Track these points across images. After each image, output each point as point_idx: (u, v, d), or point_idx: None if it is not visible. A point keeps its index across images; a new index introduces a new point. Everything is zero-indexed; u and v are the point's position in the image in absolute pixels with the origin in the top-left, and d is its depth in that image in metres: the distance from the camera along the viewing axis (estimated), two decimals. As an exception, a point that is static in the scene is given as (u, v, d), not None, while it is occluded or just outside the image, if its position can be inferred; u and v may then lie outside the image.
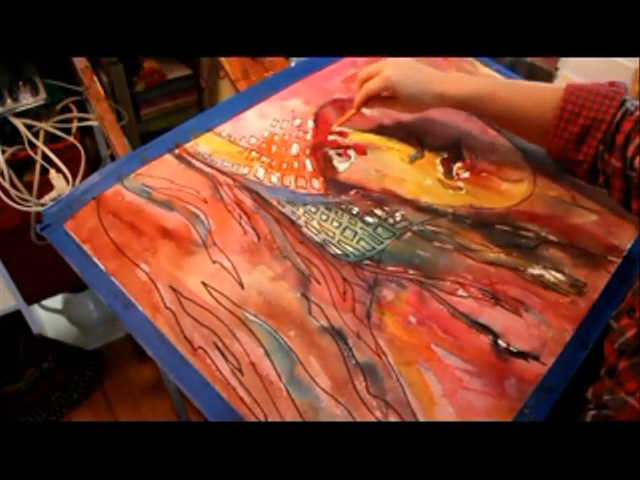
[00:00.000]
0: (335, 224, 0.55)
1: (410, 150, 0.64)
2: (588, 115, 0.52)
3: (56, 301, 1.25)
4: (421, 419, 0.43)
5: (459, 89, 0.58)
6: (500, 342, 0.48)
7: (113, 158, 0.79)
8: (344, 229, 0.55)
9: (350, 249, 0.54)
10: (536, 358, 0.47)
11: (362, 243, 0.54)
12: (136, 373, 1.23)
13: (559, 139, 0.54)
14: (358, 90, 0.63)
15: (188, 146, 0.60)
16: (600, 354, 0.48)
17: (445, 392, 0.45)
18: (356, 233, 0.55)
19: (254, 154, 0.61)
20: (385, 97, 0.62)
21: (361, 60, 0.74)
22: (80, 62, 0.81)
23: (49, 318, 1.26)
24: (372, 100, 0.63)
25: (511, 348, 0.48)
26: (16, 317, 1.02)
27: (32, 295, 1.04)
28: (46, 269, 0.83)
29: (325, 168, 0.61)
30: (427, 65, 0.62)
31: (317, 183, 0.59)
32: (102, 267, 0.50)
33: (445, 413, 0.44)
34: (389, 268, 0.52)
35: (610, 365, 0.45)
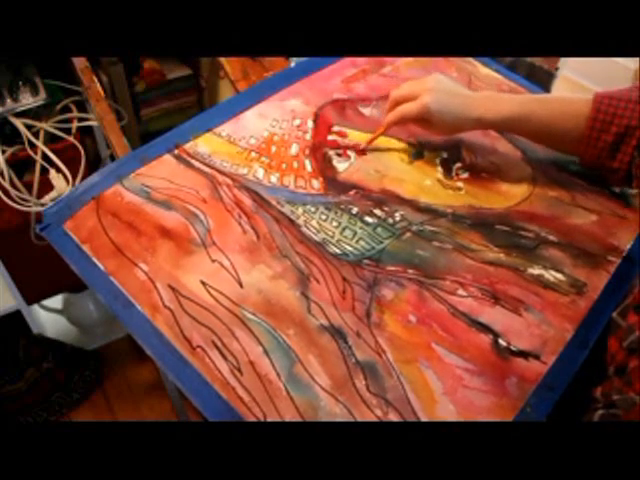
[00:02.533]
0: (334, 224, 0.56)
1: (410, 150, 0.64)
2: (621, 123, 0.52)
3: (56, 301, 1.25)
4: (422, 417, 0.43)
5: (495, 112, 0.57)
6: (500, 341, 0.48)
7: (113, 158, 0.79)
8: (343, 229, 0.55)
9: (349, 248, 0.54)
10: (537, 357, 0.47)
11: (361, 243, 0.54)
12: (136, 373, 1.23)
13: (593, 148, 0.55)
14: (390, 110, 0.61)
15: (188, 146, 0.60)
16: (603, 352, 0.48)
17: (446, 390, 0.45)
18: (355, 233, 0.55)
19: (253, 154, 0.61)
20: (419, 120, 0.60)
21: (361, 60, 0.74)
22: (80, 62, 0.81)
23: (49, 318, 1.26)
24: (405, 122, 0.61)
25: (511, 347, 0.48)
26: (16, 317, 1.03)
27: (32, 295, 1.04)
28: (46, 269, 0.83)
29: (325, 168, 0.61)
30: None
31: (316, 183, 0.59)
32: (101, 267, 0.50)
33: (446, 411, 0.44)
34: (389, 268, 0.52)
35: (619, 364, 0.45)
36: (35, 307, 1.19)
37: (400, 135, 0.65)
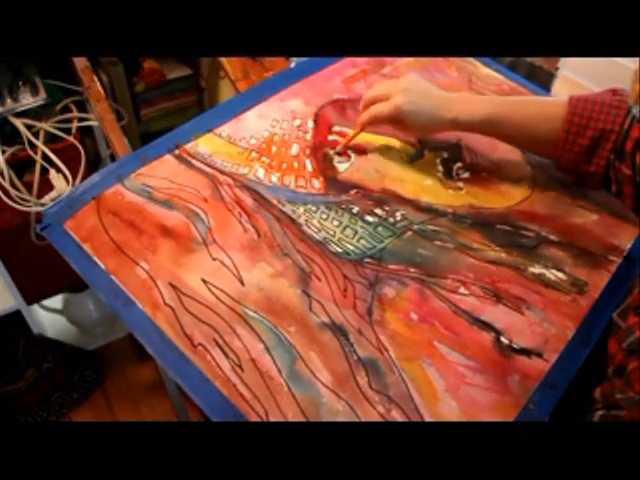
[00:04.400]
0: (335, 223, 0.56)
1: (410, 150, 0.64)
2: (596, 127, 0.52)
3: (56, 301, 1.25)
4: (424, 414, 0.43)
5: (470, 114, 0.57)
6: (502, 339, 0.48)
7: (113, 158, 0.79)
8: (344, 228, 0.55)
9: (351, 247, 0.54)
10: (539, 355, 0.48)
11: (362, 242, 0.54)
12: (136, 373, 1.23)
13: (569, 152, 0.54)
14: (363, 110, 0.61)
15: (188, 147, 0.60)
16: (603, 353, 0.48)
17: (448, 387, 0.45)
18: (356, 232, 0.55)
19: (254, 154, 0.61)
20: (392, 120, 0.60)
21: (361, 60, 0.75)
22: (80, 62, 0.81)
23: (49, 318, 1.26)
24: (378, 122, 0.61)
25: (514, 345, 0.48)
26: (16, 317, 1.02)
27: (32, 295, 1.04)
28: (46, 269, 0.83)
29: (325, 168, 0.61)
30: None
31: (317, 183, 0.59)
32: (102, 266, 0.50)
33: (448, 408, 0.44)
34: (390, 266, 0.52)
35: (618, 364, 0.45)
36: (35, 307, 1.19)
37: (400, 135, 0.65)
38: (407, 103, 0.57)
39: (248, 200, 0.56)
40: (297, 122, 0.65)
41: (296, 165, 0.61)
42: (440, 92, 0.59)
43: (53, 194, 0.82)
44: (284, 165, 0.60)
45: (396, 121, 0.59)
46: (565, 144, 0.54)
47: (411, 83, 0.58)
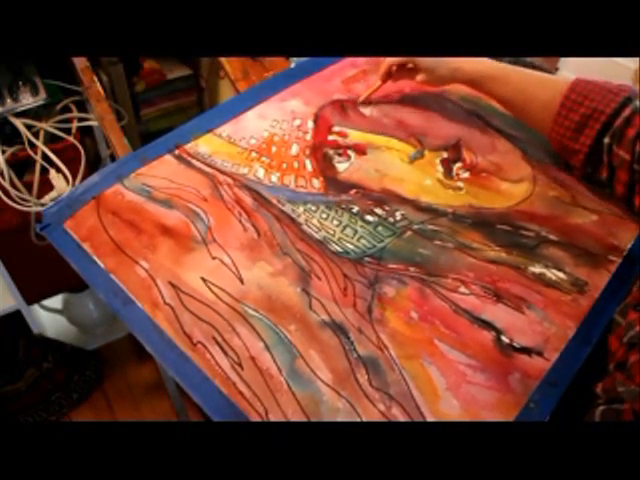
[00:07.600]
0: (335, 222, 0.56)
1: (410, 150, 0.64)
2: (590, 105, 0.53)
3: (56, 301, 1.25)
4: (425, 412, 0.43)
5: (474, 66, 0.60)
6: (503, 338, 0.48)
7: (113, 158, 0.79)
8: (344, 227, 0.55)
9: (350, 247, 0.54)
10: (539, 354, 0.48)
11: (362, 241, 0.54)
12: (136, 373, 1.22)
13: (559, 126, 0.55)
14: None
15: (188, 147, 0.60)
16: (604, 350, 0.48)
17: (449, 386, 0.45)
18: (356, 231, 0.55)
19: (254, 154, 0.61)
20: (408, 69, 0.64)
21: (361, 60, 0.75)
22: (80, 62, 0.81)
23: (49, 318, 1.26)
24: (396, 72, 0.65)
25: (514, 344, 0.48)
26: (16, 317, 1.02)
27: (32, 295, 1.04)
28: (46, 269, 0.83)
29: (325, 168, 0.61)
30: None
31: (317, 183, 0.59)
32: (101, 265, 0.50)
33: (449, 406, 0.44)
34: (390, 265, 0.52)
35: (619, 359, 0.45)
36: (35, 307, 1.19)
37: (400, 135, 0.65)
38: None
39: (248, 199, 0.56)
40: (297, 122, 0.65)
41: (296, 165, 0.61)
42: None
43: (53, 194, 0.82)
44: (284, 165, 0.60)
45: (410, 69, 0.64)
46: (558, 117, 0.55)
47: None
